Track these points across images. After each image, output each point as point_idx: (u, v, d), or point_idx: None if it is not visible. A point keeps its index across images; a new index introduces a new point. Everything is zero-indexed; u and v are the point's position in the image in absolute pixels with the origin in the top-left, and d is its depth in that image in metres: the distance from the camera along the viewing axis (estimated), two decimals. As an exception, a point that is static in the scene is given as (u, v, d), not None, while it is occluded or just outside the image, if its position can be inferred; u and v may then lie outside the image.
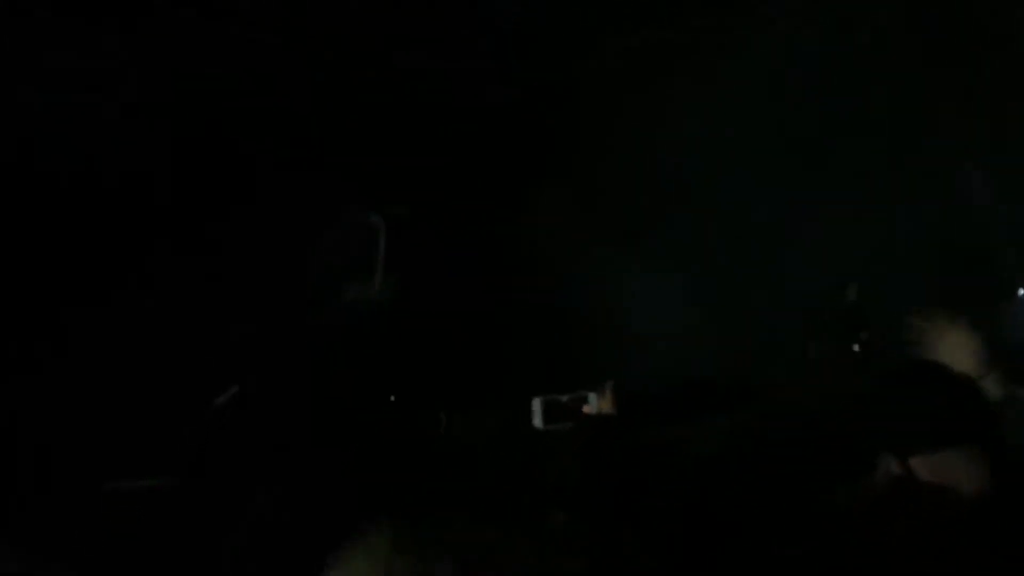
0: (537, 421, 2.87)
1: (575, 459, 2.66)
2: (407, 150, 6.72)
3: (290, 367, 6.09)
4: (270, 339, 6.12)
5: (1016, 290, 7.94)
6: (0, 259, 4.94)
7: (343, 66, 6.24)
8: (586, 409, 2.89)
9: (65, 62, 4.95)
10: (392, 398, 6.70)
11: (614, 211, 7.21)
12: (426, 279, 6.79)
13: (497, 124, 7.05)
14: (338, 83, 6.27)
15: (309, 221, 6.44)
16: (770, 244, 7.85)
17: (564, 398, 2.88)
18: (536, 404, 2.87)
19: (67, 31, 4.89)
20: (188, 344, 5.66)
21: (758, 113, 7.42)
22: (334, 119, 6.37)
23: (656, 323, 7.14)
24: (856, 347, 7.80)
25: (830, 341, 7.85)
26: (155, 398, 5.23)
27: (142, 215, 5.45)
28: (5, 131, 4.87)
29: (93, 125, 5.11)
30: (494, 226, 6.99)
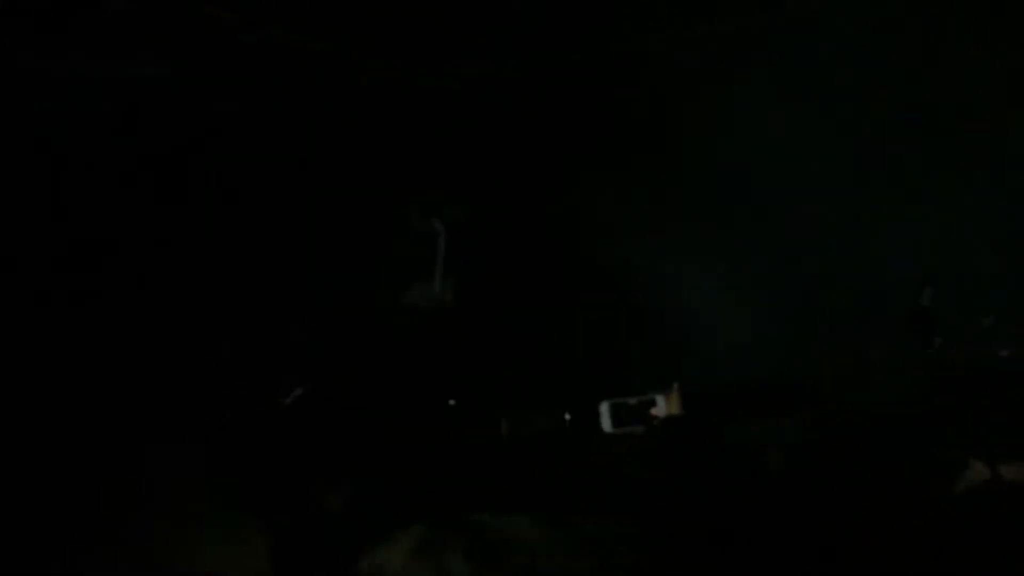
0: (606, 424, 2.86)
1: (649, 461, 2.64)
2: (464, 155, 6.73)
3: (355, 370, 6.14)
4: (336, 342, 6.17)
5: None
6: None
7: (399, 75, 6.26)
8: (654, 412, 2.87)
9: (70, 63, 5.01)
10: (452, 402, 6.73)
11: (679, 211, 7.14)
12: (486, 282, 6.79)
13: (552, 125, 7.04)
14: (394, 92, 6.30)
15: (372, 226, 6.48)
16: (838, 244, 7.73)
17: (632, 401, 2.87)
18: (604, 408, 2.85)
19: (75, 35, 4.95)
20: (254, 345, 5.72)
21: (821, 110, 7.31)
22: (389, 126, 6.40)
23: (722, 324, 7.07)
24: (929, 351, 7.65)
25: (901, 344, 7.70)
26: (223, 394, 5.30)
27: (206, 213, 5.52)
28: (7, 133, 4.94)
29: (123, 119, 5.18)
30: (556, 228, 6.96)
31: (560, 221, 7.06)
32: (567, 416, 6.33)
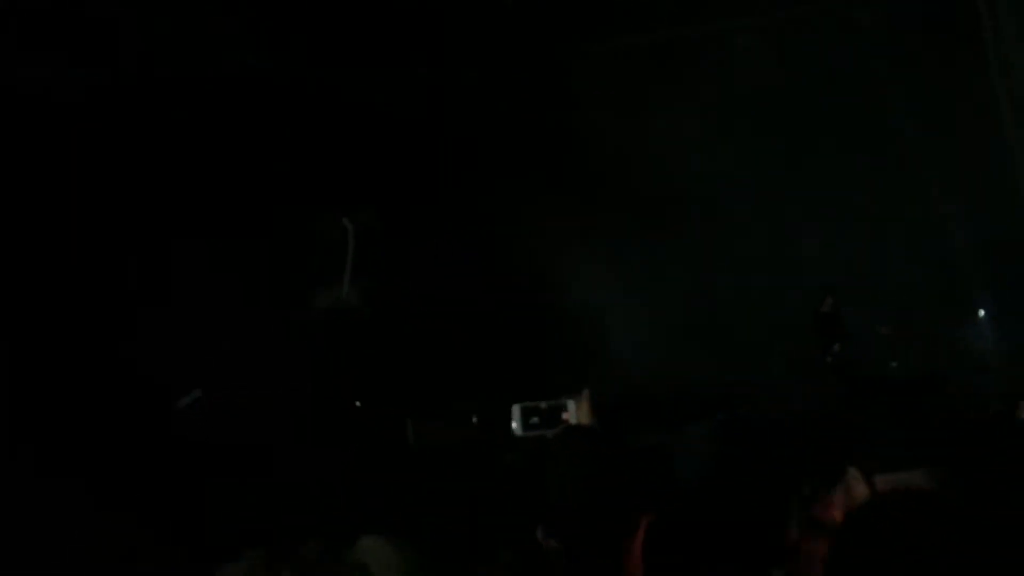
0: (516, 427, 2.85)
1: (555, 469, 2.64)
2: (377, 158, 6.68)
3: (258, 373, 6.04)
4: (240, 344, 6.06)
5: (977, 310, 8.07)
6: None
7: (324, 74, 6.20)
8: (565, 416, 2.88)
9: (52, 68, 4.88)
10: (357, 403, 6.66)
11: (598, 217, 7.22)
12: (397, 284, 6.75)
13: (480, 128, 7.05)
14: (317, 90, 6.23)
15: (281, 226, 6.39)
16: (751, 253, 7.90)
17: (543, 405, 2.87)
18: (515, 411, 2.85)
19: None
20: (167, 348, 5.59)
21: (746, 124, 7.48)
22: (302, 130, 6.33)
23: (633, 331, 7.16)
24: (828, 358, 7.88)
25: (806, 351, 7.91)
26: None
27: (124, 222, 5.39)
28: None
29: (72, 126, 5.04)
30: (471, 230, 6.97)
31: (474, 226, 7.07)
32: (474, 419, 6.34)
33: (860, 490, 2.13)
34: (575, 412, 2.87)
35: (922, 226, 7.92)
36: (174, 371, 5.45)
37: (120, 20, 5.02)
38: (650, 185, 7.32)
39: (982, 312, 7.98)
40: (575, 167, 7.36)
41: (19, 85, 4.77)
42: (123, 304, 5.41)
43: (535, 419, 2.87)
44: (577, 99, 7.24)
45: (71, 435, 4.68)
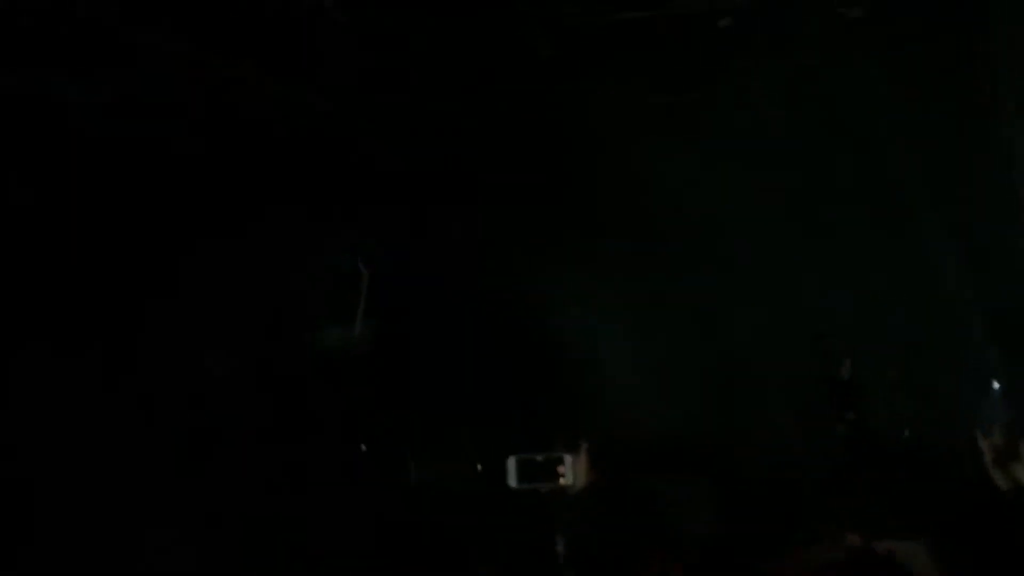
0: (511, 480, 2.83)
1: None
2: (391, 195, 6.71)
3: (263, 406, 6.04)
4: (246, 377, 6.07)
5: (990, 383, 7.97)
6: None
7: (332, 107, 6.24)
8: (560, 470, 2.85)
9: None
10: (363, 446, 6.65)
11: (601, 260, 7.20)
12: (404, 327, 6.76)
13: (477, 169, 7.06)
14: (326, 124, 6.27)
15: (291, 263, 6.41)
16: (759, 300, 7.85)
17: (539, 457, 2.85)
18: (511, 463, 2.83)
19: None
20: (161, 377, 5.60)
21: (751, 178, 7.46)
22: (319, 159, 6.36)
23: (637, 382, 7.12)
24: (841, 426, 7.78)
25: (817, 417, 7.82)
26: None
27: (122, 247, 5.41)
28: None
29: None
30: (476, 279, 6.97)
31: (484, 272, 7.07)
32: (479, 467, 6.31)
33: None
34: (572, 466, 2.85)
35: (933, 291, 7.86)
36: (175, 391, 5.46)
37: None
38: (656, 227, 7.32)
39: (996, 384, 7.90)
40: (579, 210, 7.36)
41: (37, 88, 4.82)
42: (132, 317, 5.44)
43: (531, 472, 2.85)
44: (582, 139, 7.25)
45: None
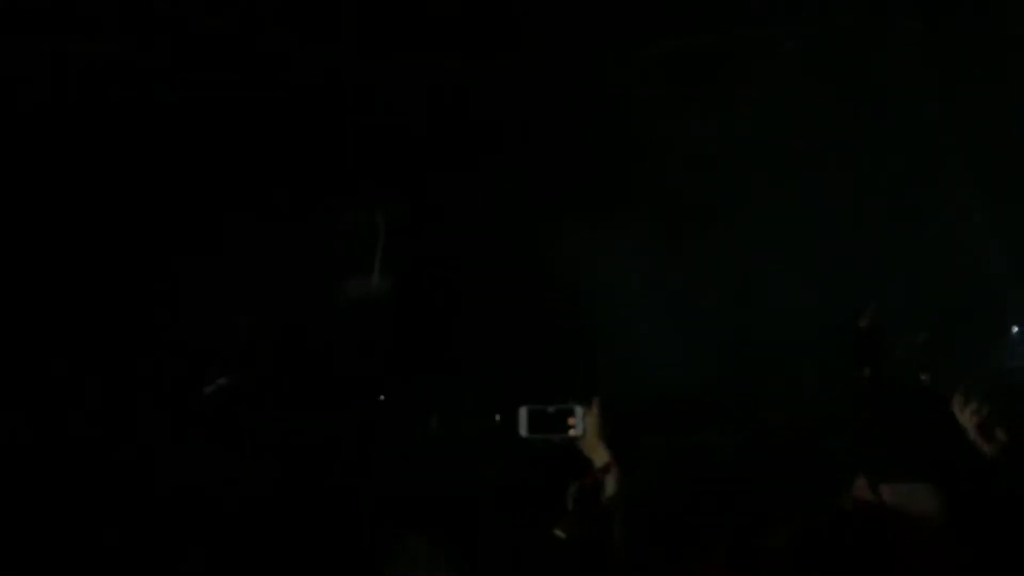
0: (522, 430, 2.86)
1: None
2: (409, 151, 6.69)
3: (288, 362, 6.09)
4: (270, 334, 6.12)
5: (1009, 327, 7.91)
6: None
7: (345, 64, 6.21)
8: (571, 422, 2.88)
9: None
10: (382, 397, 6.70)
11: (619, 219, 7.17)
12: (422, 280, 6.77)
13: (497, 127, 7.02)
14: (338, 80, 6.24)
15: (309, 218, 6.42)
16: (784, 257, 7.80)
17: (550, 409, 2.88)
18: (522, 413, 2.86)
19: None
20: (187, 336, 5.66)
21: (771, 125, 7.38)
22: (335, 116, 6.34)
23: (654, 335, 7.12)
24: (864, 373, 7.72)
25: (835, 368, 7.79)
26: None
27: (140, 210, 5.45)
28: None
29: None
30: (493, 230, 6.95)
31: (501, 225, 7.06)
32: (497, 418, 6.35)
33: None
34: (583, 419, 2.87)
35: (958, 241, 7.79)
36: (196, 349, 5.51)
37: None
38: (680, 187, 7.26)
39: (1016, 329, 7.83)
40: (605, 168, 7.31)
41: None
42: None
43: (542, 423, 2.87)
44: (610, 99, 7.18)
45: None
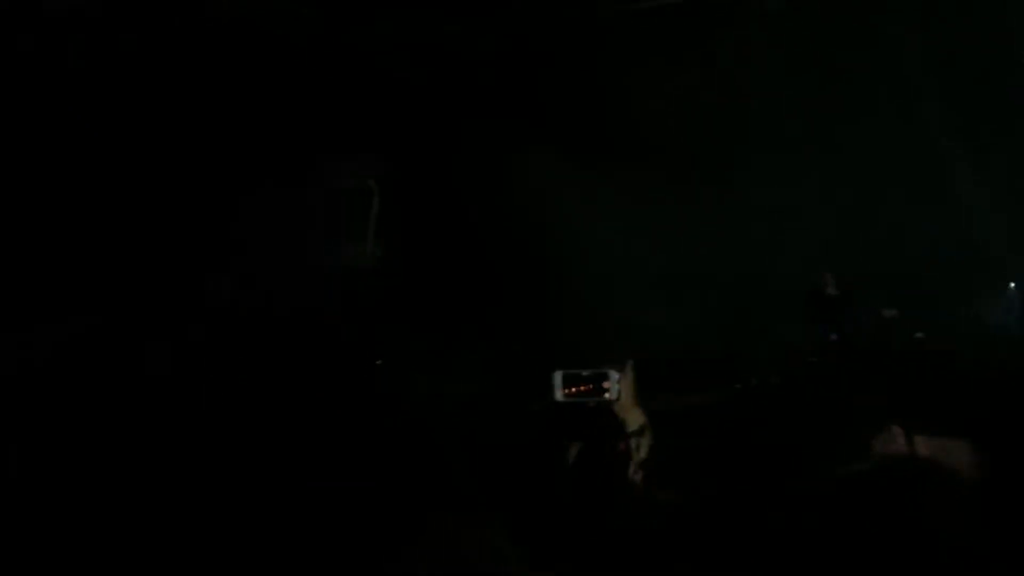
0: (557, 394, 2.88)
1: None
2: (399, 116, 6.65)
3: (281, 328, 6.06)
4: (262, 300, 6.08)
5: (1007, 283, 8.02)
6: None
7: (329, 33, 6.15)
8: (606, 385, 2.90)
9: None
10: (379, 362, 6.69)
11: (619, 175, 7.17)
12: (421, 243, 6.76)
13: (490, 91, 6.98)
14: (325, 51, 6.19)
15: (304, 185, 6.38)
16: (775, 217, 7.85)
17: (584, 373, 2.89)
18: (557, 377, 2.87)
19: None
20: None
21: (760, 94, 7.41)
22: (320, 85, 6.29)
23: (654, 292, 7.16)
24: (833, 337, 7.84)
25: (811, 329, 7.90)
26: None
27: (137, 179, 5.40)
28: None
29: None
30: (494, 195, 6.94)
31: (492, 180, 7.04)
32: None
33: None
34: (617, 383, 2.89)
35: (950, 195, 7.87)
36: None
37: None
38: (674, 143, 7.28)
39: (1012, 284, 7.93)
40: (597, 124, 7.30)
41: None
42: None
43: (576, 386, 2.89)
44: (600, 55, 7.16)
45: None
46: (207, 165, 5.85)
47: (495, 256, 7.01)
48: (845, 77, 7.80)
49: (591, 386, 2.88)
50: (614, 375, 2.86)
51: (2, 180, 4.93)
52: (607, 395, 2.87)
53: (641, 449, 2.86)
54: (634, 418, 2.87)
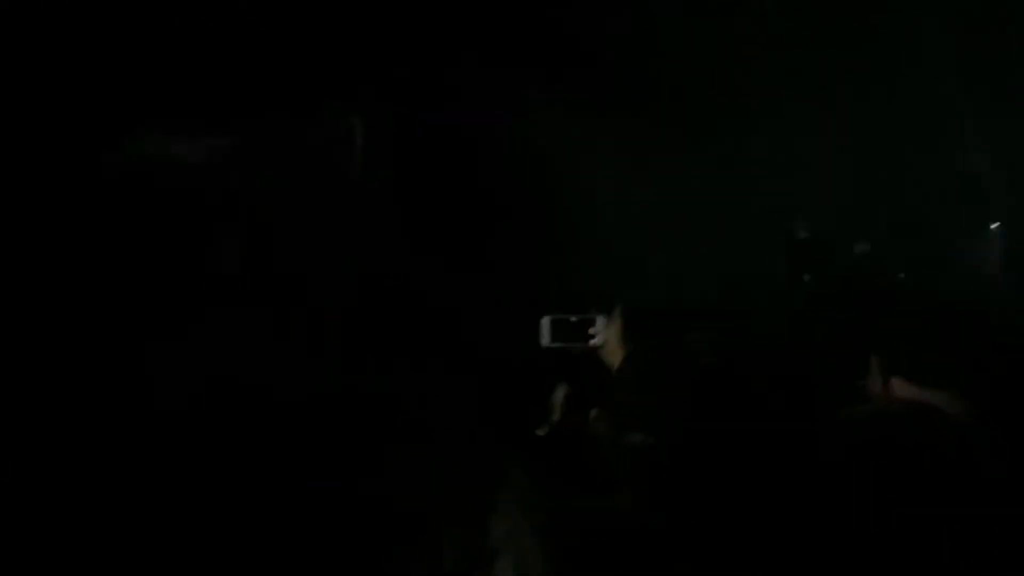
0: (544, 339, 2.85)
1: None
2: (391, 54, 6.54)
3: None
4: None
5: (988, 223, 8.02)
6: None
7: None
8: (592, 331, 2.88)
9: None
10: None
11: (614, 130, 7.11)
12: (406, 178, 6.69)
13: (482, 31, 6.88)
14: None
15: (287, 120, 6.29)
16: (774, 159, 7.83)
17: (573, 318, 2.87)
18: (544, 323, 2.85)
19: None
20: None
21: (752, 41, 7.33)
22: (311, 22, 6.18)
23: (650, 234, 7.15)
24: (806, 278, 7.88)
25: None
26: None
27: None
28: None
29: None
30: (490, 136, 6.87)
31: (502, 125, 6.98)
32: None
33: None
34: (604, 328, 2.88)
35: (935, 134, 7.84)
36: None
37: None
38: (676, 90, 7.22)
39: (995, 225, 7.93)
40: (601, 65, 7.22)
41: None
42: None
43: (565, 332, 2.87)
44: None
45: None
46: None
47: (488, 199, 6.95)
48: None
49: (578, 332, 2.86)
50: (602, 320, 2.84)
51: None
52: (593, 340, 2.85)
53: (625, 393, 2.85)
54: (620, 362, 2.85)
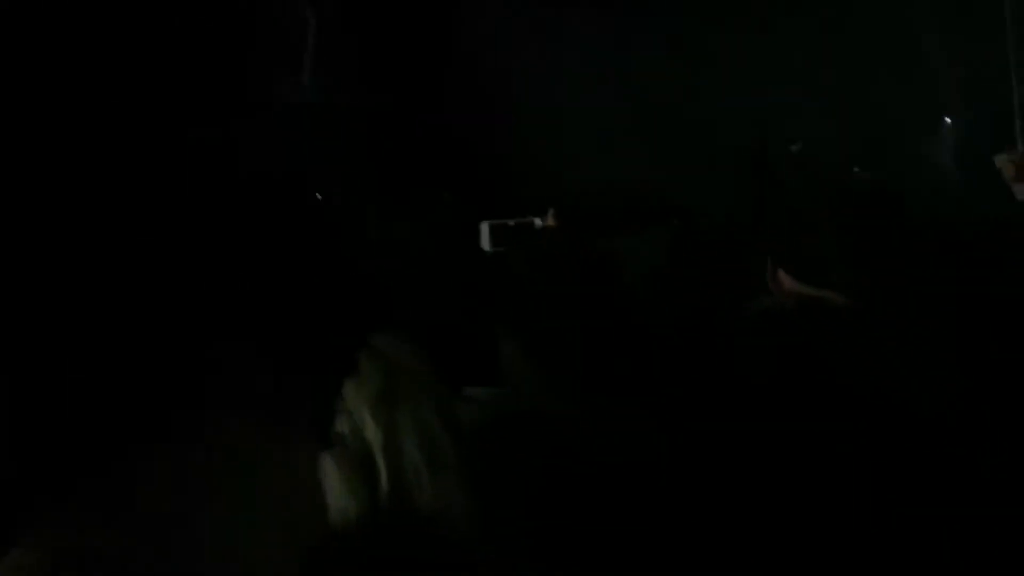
0: (484, 244, 2.90)
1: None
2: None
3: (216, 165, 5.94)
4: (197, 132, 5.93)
5: (942, 119, 8.04)
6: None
7: None
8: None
9: None
10: (318, 196, 6.62)
11: (567, 34, 6.99)
12: (356, 78, 6.60)
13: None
14: None
15: (234, 14, 6.12)
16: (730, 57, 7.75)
17: (511, 223, 2.91)
18: (484, 228, 2.89)
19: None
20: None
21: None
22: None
23: (596, 133, 7.10)
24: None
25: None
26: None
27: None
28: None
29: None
30: (436, 29, 6.74)
31: (442, 21, 6.85)
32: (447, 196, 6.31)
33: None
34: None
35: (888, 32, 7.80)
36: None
37: None
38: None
39: (948, 120, 7.93)
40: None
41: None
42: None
43: (504, 236, 2.92)
44: None
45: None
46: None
47: (437, 94, 6.87)
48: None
49: (518, 237, 2.91)
50: (538, 223, 2.89)
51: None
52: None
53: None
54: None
